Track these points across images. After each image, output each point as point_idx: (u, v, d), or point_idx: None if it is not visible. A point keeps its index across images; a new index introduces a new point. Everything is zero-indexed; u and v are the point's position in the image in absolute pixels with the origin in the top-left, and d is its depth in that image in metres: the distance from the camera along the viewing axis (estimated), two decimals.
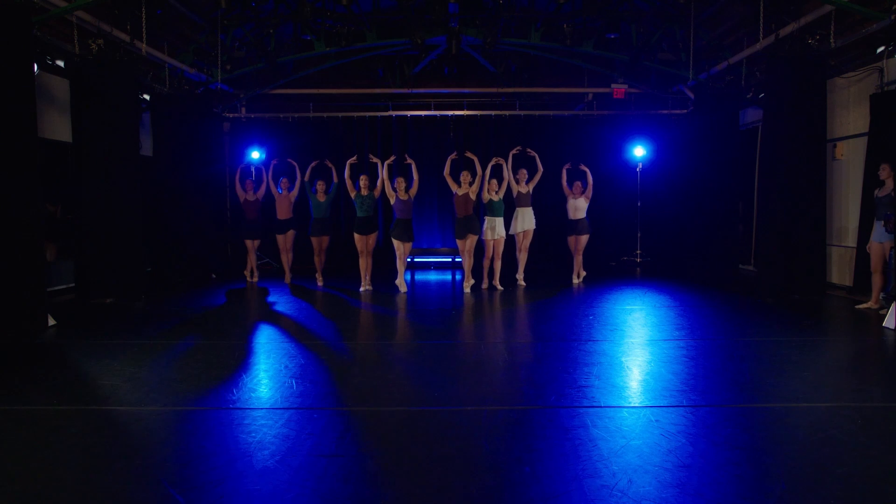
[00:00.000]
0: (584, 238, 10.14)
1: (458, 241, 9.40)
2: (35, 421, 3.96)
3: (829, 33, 8.27)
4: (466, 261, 9.49)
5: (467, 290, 9.47)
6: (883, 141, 7.88)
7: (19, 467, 3.29)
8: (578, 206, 9.99)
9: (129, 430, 3.85)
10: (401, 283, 9.53)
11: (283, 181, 10.31)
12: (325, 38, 10.79)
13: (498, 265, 9.56)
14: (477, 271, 9.81)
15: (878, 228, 7.26)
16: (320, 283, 10.18)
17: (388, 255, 12.06)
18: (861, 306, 7.61)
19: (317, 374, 4.99)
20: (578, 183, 10.01)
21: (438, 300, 8.83)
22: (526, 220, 9.68)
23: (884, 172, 7.26)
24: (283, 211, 10.27)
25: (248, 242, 10.57)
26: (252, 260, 10.68)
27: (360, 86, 13.22)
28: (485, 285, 9.63)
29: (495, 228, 9.30)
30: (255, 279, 10.71)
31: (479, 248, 9.63)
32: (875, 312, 7.29)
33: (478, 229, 9.31)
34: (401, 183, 9.20)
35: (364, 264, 9.62)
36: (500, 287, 9.57)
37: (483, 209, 9.48)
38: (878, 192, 7.35)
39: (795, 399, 4.30)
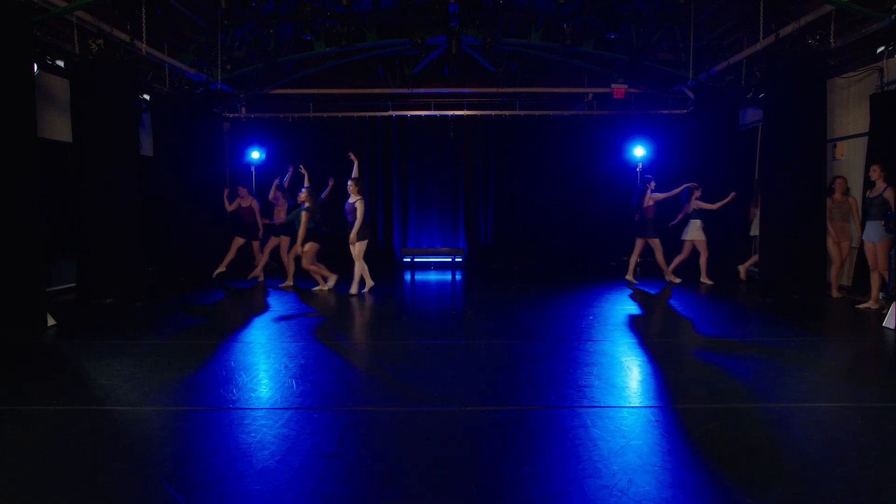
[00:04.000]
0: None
1: None
2: (35, 421, 3.96)
3: (829, 33, 8.26)
4: None
5: None
6: (883, 141, 7.89)
7: (19, 467, 3.29)
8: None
9: (129, 430, 3.85)
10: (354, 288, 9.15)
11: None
12: (325, 38, 10.78)
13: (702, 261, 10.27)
14: (475, 271, 9.79)
15: (869, 228, 7.42)
16: (288, 285, 9.82)
17: (378, 257, 12.17)
18: (861, 306, 7.62)
19: (317, 374, 4.99)
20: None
21: (438, 300, 8.83)
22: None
23: (874, 173, 7.37)
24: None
25: (247, 242, 10.53)
26: (260, 259, 10.64)
27: (360, 86, 13.21)
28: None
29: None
30: (253, 276, 10.69)
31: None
32: (875, 312, 7.29)
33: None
34: (352, 186, 8.96)
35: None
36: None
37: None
38: (870, 193, 7.49)
39: (795, 399, 4.30)
